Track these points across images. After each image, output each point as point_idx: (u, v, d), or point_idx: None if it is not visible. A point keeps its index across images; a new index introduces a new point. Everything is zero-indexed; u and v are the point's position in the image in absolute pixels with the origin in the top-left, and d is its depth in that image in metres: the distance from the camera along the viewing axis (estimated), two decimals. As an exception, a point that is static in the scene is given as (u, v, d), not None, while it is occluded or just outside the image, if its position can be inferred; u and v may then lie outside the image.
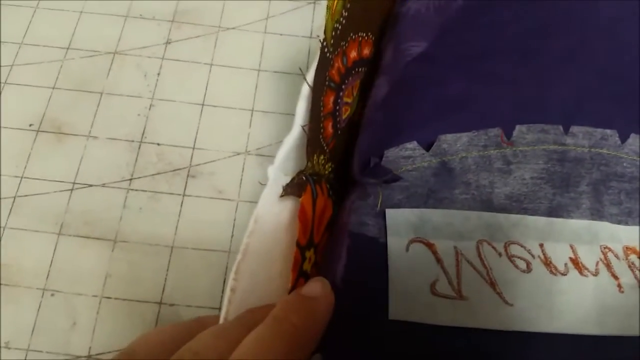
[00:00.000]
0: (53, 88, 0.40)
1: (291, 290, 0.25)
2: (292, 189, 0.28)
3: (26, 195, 0.36)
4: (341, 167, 0.32)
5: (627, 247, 0.30)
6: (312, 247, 0.28)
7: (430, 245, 0.29)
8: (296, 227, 0.26)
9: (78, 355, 0.32)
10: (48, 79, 0.40)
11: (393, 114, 0.31)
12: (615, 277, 0.29)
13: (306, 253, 0.27)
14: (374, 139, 0.31)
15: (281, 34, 0.41)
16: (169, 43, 0.41)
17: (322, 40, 0.28)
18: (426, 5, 0.31)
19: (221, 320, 0.25)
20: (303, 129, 0.28)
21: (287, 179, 0.28)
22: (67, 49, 0.42)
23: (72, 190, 0.36)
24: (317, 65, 0.29)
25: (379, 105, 0.31)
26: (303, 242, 0.27)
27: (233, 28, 0.42)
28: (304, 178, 0.28)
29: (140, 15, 0.43)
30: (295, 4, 0.42)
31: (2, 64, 0.41)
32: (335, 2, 0.29)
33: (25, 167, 0.37)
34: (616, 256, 0.29)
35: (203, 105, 0.39)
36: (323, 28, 0.28)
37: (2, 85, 0.40)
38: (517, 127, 0.31)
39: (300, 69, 0.30)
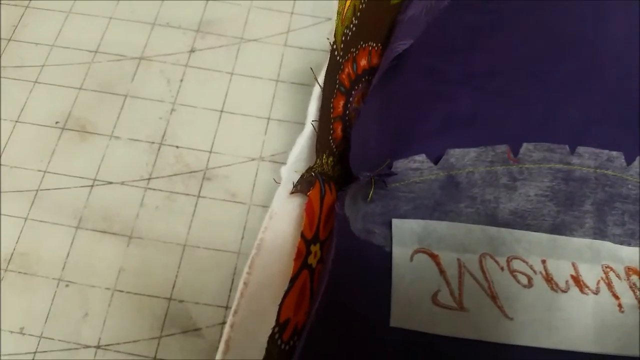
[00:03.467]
0: (80, 89, 0.42)
1: (292, 280, 0.26)
2: (302, 185, 0.29)
3: (48, 189, 0.38)
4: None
5: (628, 268, 0.30)
6: (317, 242, 0.28)
7: (434, 256, 0.29)
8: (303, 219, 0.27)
9: (87, 345, 0.33)
10: (76, 79, 0.42)
11: (402, 126, 0.32)
12: (616, 297, 0.29)
13: (311, 247, 0.28)
14: (376, 144, 0.32)
15: (300, 47, 0.42)
16: (193, 51, 0.43)
17: (332, 43, 0.29)
18: (420, 9, 0.32)
19: (232, 312, 0.26)
20: (313, 125, 0.29)
21: (299, 177, 0.29)
22: (96, 52, 0.43)
23: (92, 186, 0.38)
24: (328, 67, 0.30)
25: (371, 108, 0.32)
26: (309, 235, 0.28)
27: (255, 40, 0.43)
28: (312, 174, 0.29)
29: (167, 23, 0.44)
30: (315, 20, 0.43)
31: (34, 64, 0.43)
32: (346, 8, 0.30)
33: (49, 162, 0.39)
34: (617, 276, 0.30)
35: (222, 111, 0.40)
36: (334, 32, 0.29)
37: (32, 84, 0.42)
38: (524, 144, 0.31)
39: (311, 69, 0.31)
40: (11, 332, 0.33)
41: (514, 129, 0.32)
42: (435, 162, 0.31)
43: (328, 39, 0.29)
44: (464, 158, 0.31)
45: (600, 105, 0.32)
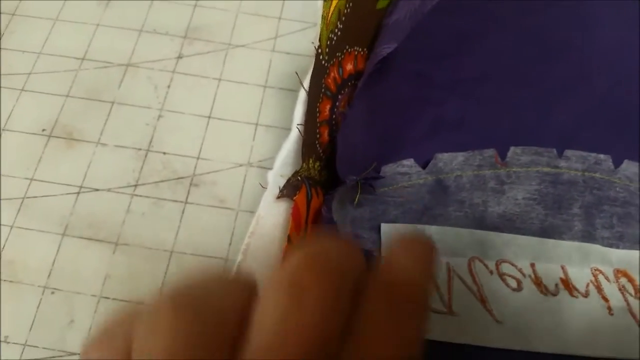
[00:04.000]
0: (67, 96, 0.41)
1: None
2: (288, 190, 0.29)
3: (34, 197, 0.37)
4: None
5: (617, 270, 0.30)
6: None
7: (422, 261, 0.29)
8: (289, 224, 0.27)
9: (72, 352, 0.32)
10: (63, 87, 0.42)
11: (390, 131, 0.32)
12: (606, 300, 0.29)
13: None
14: (363, 149, 0.31)
15: (288, 53, 0.42)
16: (181, 58, 0.43)
17: (317, 48, 0.29)
18: (404, 13, 0.32)
19: None
20: (298, 128, 0.29)
21: (285, 181, 0.29)
22: (83, 59, 0.43)
23: (78, 193, 0.37)
24: (313, 71, 0.30)
25: (358, 112, 0.32)
26: (296, 239, 0.27)
27: (242, 45, 0.43)
28: (299, 179, 0.29)
29: (154, 30, 0.44)
30: (303, 25, 0.43)
31: (20, 72, 0.43)
32: (330, 12, 0.30)
33: (35, 170, 0.38)
34: (607, 279, 0.29)
35: (209, 117, 0.40)
36: (318, 36, 0.29)
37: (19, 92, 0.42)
38: (512, 148, 0.31)
39: (296, 73, 0.30)
40: (-5, 341, 0.33)
41: (502, 133, 0.32)
42: (424, 167, 0.31)
43: (313, 43, 0.29)
44: (452, 162, 0.31)
45: (589, 110, 0.32)
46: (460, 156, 0.31)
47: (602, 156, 0.31)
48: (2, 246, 0.36)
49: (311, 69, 0.30)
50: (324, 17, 0.30)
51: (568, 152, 0.31)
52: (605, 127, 0.32)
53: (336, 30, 0.31)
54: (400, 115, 0.32)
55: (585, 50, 0.33)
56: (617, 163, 0.32)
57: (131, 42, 0.43)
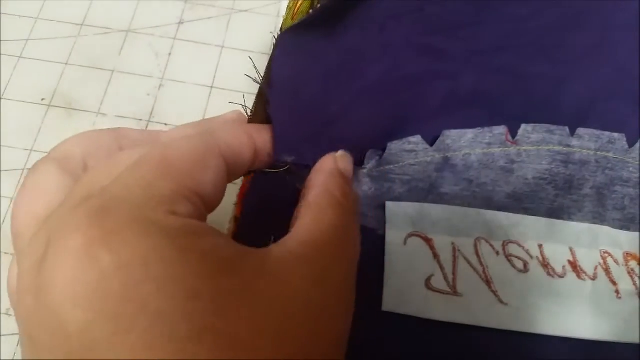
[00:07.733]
0: (66, 64, 0.40)
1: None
2: None
3: (34, 169, 0.37)
4: None
5: (627, 253, 0.29)
6: None
7: (428, 240, 0.29)
8: None
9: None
10: (62, 54, 0.40)
11: (397, 108, 0.31)
12: (614, 283, 0.29)
13: None
14: (367, 126, 0.30)
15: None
16: (182, 23, 0.41)
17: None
18: None
19: None
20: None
21: None
22: (82, 25, 0.42)
23: (78, 165, 0.37)
24: (267, 64, 0.28)
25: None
26: None
27: (246, 10, 0.41)
28: None
29: (155, -8, 0.43)
30: (309, -11, 0.42)
31: (18, 39, 0.41)
32: (300, 3, 0.28)
33: (35, 141, 0.38)
34: (616, 262, 0.29)
35: (212, 87, 0.39)
36: (279, 28, 0.27)
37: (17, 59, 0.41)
38: (523, 126, 0.30)
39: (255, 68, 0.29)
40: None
41: (514, 108, 0.30)
42: (431, 144, 0.30)
43: (272, 32, 0.28)
44: (460, 140, 0.30)
45: (608, 81, 0.31)
46: (469, 133, 0.30)
47: (616, 135, 0.30)
48: (2, 218, 0.35)
49: (266, 62, 0.28)
50: (289, 8, 0.28)
51: (581, 131, 0.30)
52: (623, 99, 0.31)
53: None
54: (409, 91, 0.31)
55: (607, 17, 0.31)
56: (632, 142, 0.30)
57: (131, 7, 0.42)
